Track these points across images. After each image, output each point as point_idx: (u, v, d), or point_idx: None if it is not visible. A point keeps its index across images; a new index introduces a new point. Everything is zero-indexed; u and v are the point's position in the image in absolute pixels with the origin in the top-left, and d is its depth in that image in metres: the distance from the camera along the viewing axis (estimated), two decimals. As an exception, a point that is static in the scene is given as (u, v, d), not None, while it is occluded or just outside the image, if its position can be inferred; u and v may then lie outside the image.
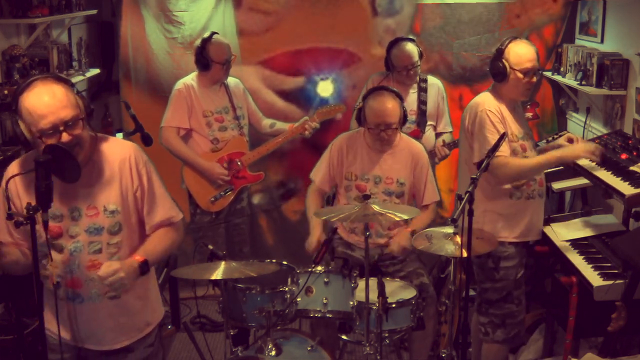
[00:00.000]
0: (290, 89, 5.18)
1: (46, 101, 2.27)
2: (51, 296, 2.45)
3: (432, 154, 4.45)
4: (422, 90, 4.53)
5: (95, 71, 5.05)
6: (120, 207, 2.47)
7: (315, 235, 3.66)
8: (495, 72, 3.40)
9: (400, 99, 3.69)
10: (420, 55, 4.49)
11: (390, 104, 3.61)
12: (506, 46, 3.37)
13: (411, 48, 4.44)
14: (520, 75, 3.34)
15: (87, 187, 2.43)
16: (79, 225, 2.43)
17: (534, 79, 3.41)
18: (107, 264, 2.38)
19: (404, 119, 3.69)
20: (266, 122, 4.68)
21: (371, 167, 3.72)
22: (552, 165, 3.50)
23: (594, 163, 3.43)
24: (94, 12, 5.06)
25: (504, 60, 3.35)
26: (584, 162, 3.52)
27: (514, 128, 3.40)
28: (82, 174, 2.36)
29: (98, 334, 2.53)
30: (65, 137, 2.30)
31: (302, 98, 5.17)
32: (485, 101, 3.39)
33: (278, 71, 5.15)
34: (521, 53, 3.34)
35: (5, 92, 3.70)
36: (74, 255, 2.43)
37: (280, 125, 4.66)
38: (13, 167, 2.47)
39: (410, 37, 4.63)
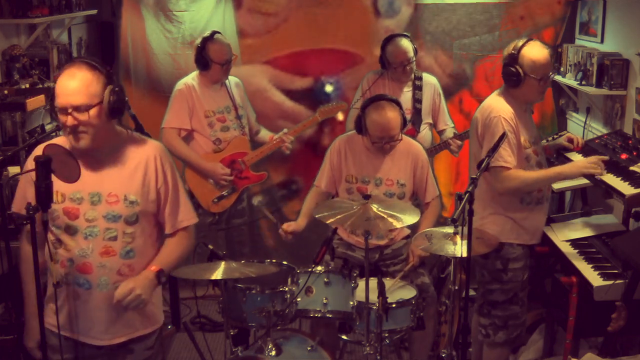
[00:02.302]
0: (298, 89, 5.18)
1: (66, 83, 2.39)
2: (59, 294, 2.50)
3: (428, 151, 4.42)
4: (417, 88, 4.50)
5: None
6: (140, 200, 2.53)
7: (297, 222, 3.69)
8: (508, 79, 3.33)
9: (399, 105, 3.67)
10: (415, 51, 4.47)
11: (391, 116, 3.58)
12: (519, 51, 3.28)
13: (406, 43, 4.41)
14: (534, 80, 3.28)
15: (111, 175, 2.51)
16: (97, 210, 2.48)
17: (549, 82, 3.37)
18: (123, 284, 2.45)
19: (404, 122, 3.68)
20: (255, 127, 4.66)
21: (371, 169, 3.72)
22: (553, 180, 3.48)
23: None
24: (94, 12, 5.06)
25: (517, 66, 3.27)
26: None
27: (526, 134, 3.36)
28: (107, 163, 2.49)
29: (99, 326, 2.54)
30: (69, 120, 2.39)
31: (309, 98, 5.17)
32: (501, 107, 3.31)
33: (285, 71, 5.15)
34: (535, 58, 3.26)
35: (5, 92, 3.70)
36: (89, 240, 2.48)
37: (263, 133, 4.65)
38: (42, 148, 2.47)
39: (405, 33, 4.60)
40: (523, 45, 3.30)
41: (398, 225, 3.15)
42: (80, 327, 2.54)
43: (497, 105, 3.34)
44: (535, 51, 3.29)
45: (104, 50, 5.39)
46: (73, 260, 2.48)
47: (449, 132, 4.57)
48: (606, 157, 3.38)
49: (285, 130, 4.58)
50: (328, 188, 3.80)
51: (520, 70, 3.27)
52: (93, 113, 2.41)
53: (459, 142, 4.46)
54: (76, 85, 2.38)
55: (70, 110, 2.38)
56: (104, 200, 2.48)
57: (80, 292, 2.51)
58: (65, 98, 2.38)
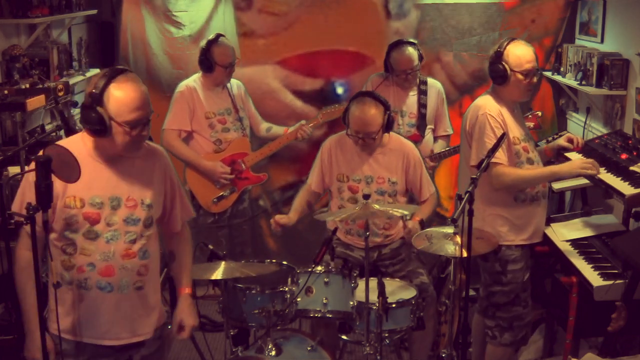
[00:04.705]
0: (308, 90, 5.18)
1: (138, 96, 2.47)
2: (66, 299, 2.51)
3: (430, 157, 4.43)
4: (422, 92, 4.50)
5: (95, 71, 5.04)
6: (154, 203, 2.61)
7: (289, 216, 3.71)
8: (495, 75, 3.37)
9: (385, 106, 3.64)
10: (420, 58, 4.46)
11: (371, 113, 3.58)
12: (504, 48, 3.34)
13: (411, 52, 4.40)
14: (520, 77, 3.32)
15: (127, 180, 2.55)
16: (117, 214, 2.52)
17: (534, 80, 3.41)
18: (174, 322, 2.72)
19: (388, 124, 3.66)
20: (264, 125, 4.67)
21: (362, 168, 3.73)
22: (548, 179, 3.50)
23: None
24: (94, 12, 5.06)
25: (503, 63, 3.32)
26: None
27: (515, 131, 3.39)
28: (124, 168, 2.54)
29: (120, 326, 2.57)
30: (145, 132, 2.50)
31: (320, 99, 5.16)
32: (487, 105, 3.37)
33: (296, 72, 5.15)
34: (520, 55, 3.32)
35: (5, 92, 3.70)
36: (110, 243, 2.51)
37: (276, 129, 4.64)
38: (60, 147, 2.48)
39: (411, 40, 4.59)
40: (508, 43, 3.36)
41: (397, 213, 3.18)
42: (100, 329, 2.56)
43: (483, 104, 3.39)
44: (520, 48, 3.35)
45: (104, 50, 5.39)
46: (94, 265, 2.50)
47: (438, 146, 4.56)
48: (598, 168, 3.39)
49: (303, 121, 4.59)
50: (317, 188, 3.82)
51: (507, 67, 3.32)
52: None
53: (432, 164, 4.47)
54: (146, 96, 2.50)
55: (143, 123, 2.49)
56: (124, 204, 2.53)
57: (102, 296, 2.52)
58: (142, 111, 2.47)
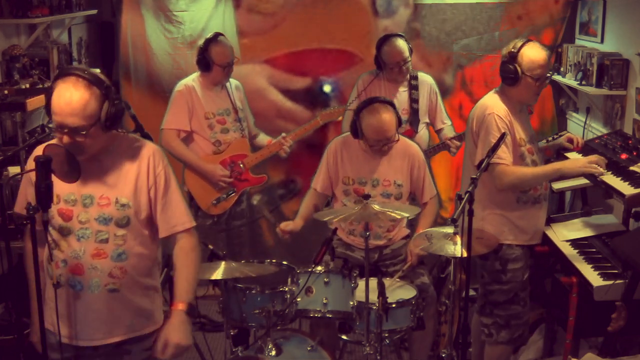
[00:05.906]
0: (296, 89, 5.17)
1: (61, 103, 2.34)
2: (54, 295, 2.48)
3: (426, 153, 4.42)
4: (413, 87, 4.48)
5: (95, 71, 5.04)
6: (132, 202, 2.50)
7: (294, 221, 3.70)
8: (506, 76, 3.34)
9: (392, 106, 3.66)
10: (410, 51, 4.45)
11: (386, 118, 3.57)
12: (519, 50, 3.30)
13: (401, 44, 4.39)
14: (531, 80, 3.29)
15: (103, 177, 2.49)
16: (89, 212, 2.47)
17: (545, 84, 3.39)
18: (159, 341, 2.52)
19: (398, 123, 3.68)
20: (254, 132, 4.66)
21: (368, 170, 3.72)
22: (552, 176, 3.48)
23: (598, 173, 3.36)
24: (94, 12, 5.07)
25: (516, 65, 3.29)
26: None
27: (521, 132, 3.37)
28: (101, 165, 2.47)
29: (91, 327, 2.52)
30: (65, 139, 2.37)
31: (308, 98, 5.17)
32: (495, 105, 3.35)
33: (284, 71, 5.15)
34: (534, 58, 3.28)
35: (6, 92, 3.70)
36: (81, 241, 2.47)
37: (262, 137, 4.63)
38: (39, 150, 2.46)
39: (400, 33, 4.58)
40: (523, 45, 3.32)
41: (398, 216, 3.17)
42: (76, 328, 2.53)
43: (491, 103, 3.37)
44: (534, 51, 3.31)
45: (104, 50, 5.40)
46: (66, 262, 2.48)
47: (447, 131, 4.56)
48: (605, 161, 3.38)
49: (283, 134, 4.56)
50: (324, 190, 3.80)
51: (519, 69, 3.29)
52: (86, 133, 2.37)
53: (458, 143, 4.45)
54: (73, 106, 2.33)
55: (65, 131, 2.35)
56: (96, 202, 2.47)
57: (74, 294, 2.50)
58: (61, 118, 2.34)
